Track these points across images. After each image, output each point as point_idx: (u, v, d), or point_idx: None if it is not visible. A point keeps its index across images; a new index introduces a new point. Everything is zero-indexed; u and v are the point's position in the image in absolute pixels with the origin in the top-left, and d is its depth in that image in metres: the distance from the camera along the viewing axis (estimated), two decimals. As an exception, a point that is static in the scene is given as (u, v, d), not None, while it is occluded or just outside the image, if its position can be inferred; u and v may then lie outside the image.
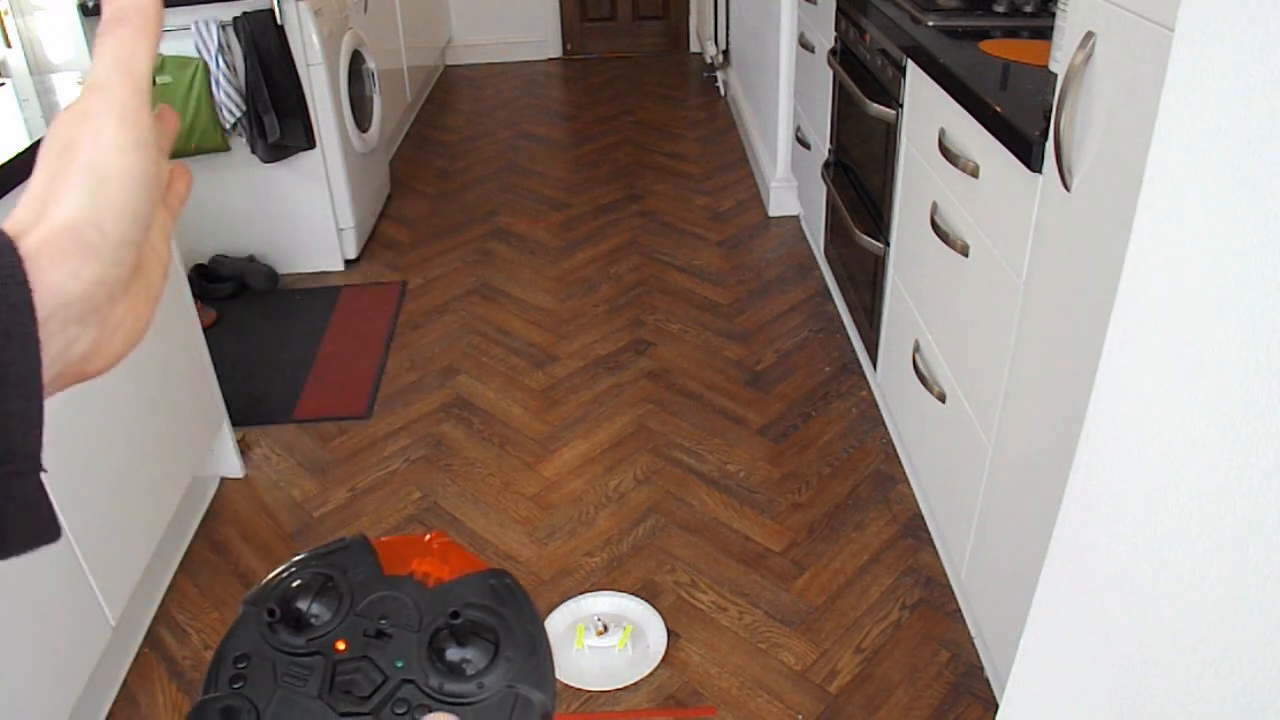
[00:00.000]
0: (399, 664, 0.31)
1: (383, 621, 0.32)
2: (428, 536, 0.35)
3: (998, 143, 1.46)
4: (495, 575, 0.33)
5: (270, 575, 0.33)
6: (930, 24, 1.94)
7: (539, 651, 0.31)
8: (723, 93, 4.97)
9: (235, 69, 2.83)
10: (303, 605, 0.32)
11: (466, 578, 0.33)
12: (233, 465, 2.30)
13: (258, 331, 2.96)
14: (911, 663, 1.75)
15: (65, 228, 0.29)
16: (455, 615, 0.31)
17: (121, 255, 0.31)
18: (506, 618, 0.32)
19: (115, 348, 0.33)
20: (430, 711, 0.29)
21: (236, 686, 0.31)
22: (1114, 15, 1.13)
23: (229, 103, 2.84)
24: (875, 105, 2.14)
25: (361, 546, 0.34)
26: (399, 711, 0.30)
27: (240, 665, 0.31)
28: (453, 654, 0.31)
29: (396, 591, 0.32)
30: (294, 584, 0.32)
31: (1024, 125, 1.37)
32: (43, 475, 0.29)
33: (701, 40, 5.58)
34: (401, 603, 0.32)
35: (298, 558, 0.34)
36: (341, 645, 0.31)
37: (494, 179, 4.05)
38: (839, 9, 2.54)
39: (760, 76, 3.77)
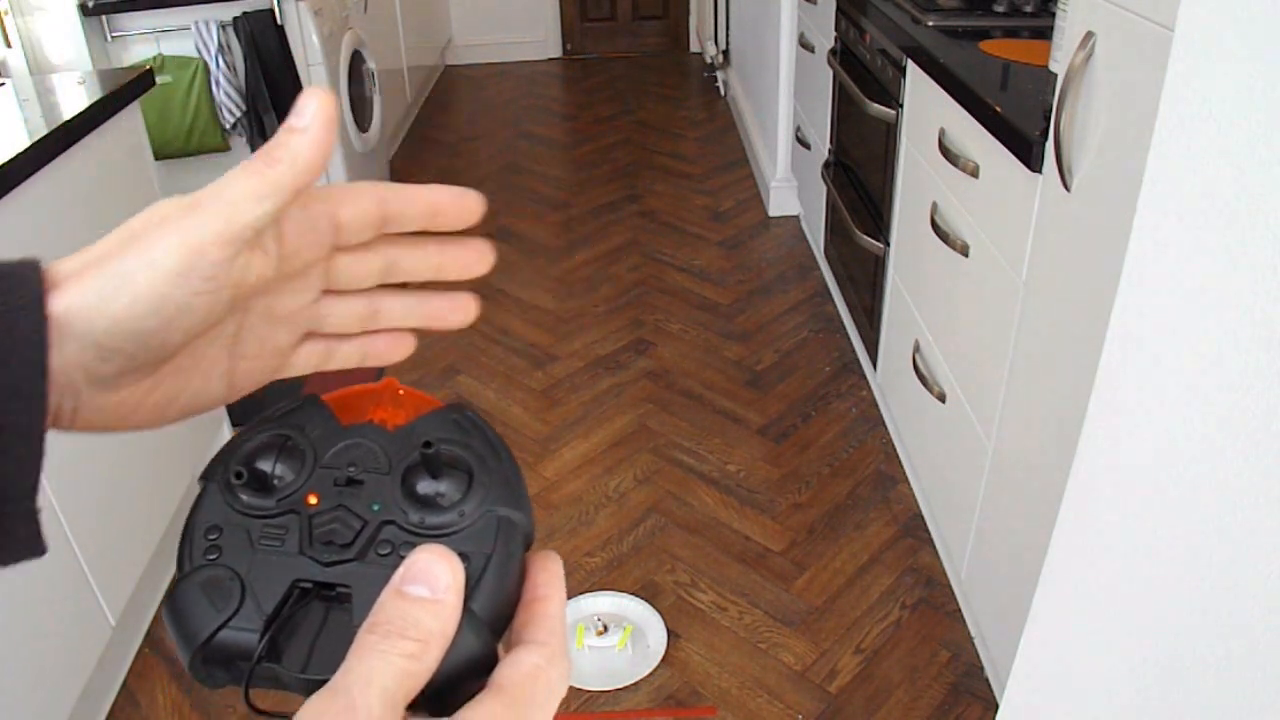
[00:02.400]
0: (375, 507, 0.30)
1: (351, 469, 0.31)
2: (379, 384, 0.34)
3: (998, 143, 1.46)
4: (455, 409, 0.33)
5: (224, 447, 0.32)
6: (930, 24, 1.94)
7: (511, 475, 0.31)
8: (723, 93, 4.97)
9: (235, 69, 2.83)
10: (266, 467, 0.31)
11: (427, 416, 0.33)
12: (233, 465, 2.29)
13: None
14: (911, 663, 1.75)
15: (64, 310, 0.30)
16: (428, 446, 0.30)
17: (106, 355, 0.31)
18: (474, 447, 0.32)
19: (90, 422, 0.33)
20: (414, 548, 0.29)
21: (212, 559, 0.30)
22: (1114, 15, 1.13)
23: (229, 103, 2.84)
24: (875, 105, 2.14)
25: (314, 404, 0.33)
26: (383, 553, 0.30)
27: (212, 537, 0.30)
28: (428, 489, 0.31)
29: (359, 438, 0.32)
30: (253, 448, 0.32)
31: (1024, 125, 1.37)
32: (43, 477, 0.31)
33: (701, 40, 5.58)
34: (367, 448, 0.31)
35: (250, 424, 0.33)
36: (314, 499, 0.31)
37: (494, 179, 4.05)
38: (839, 9, 2.54)
39: (760, 76, 3.77)
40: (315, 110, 0.31)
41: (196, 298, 0.30)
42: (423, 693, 0.26)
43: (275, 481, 0.31)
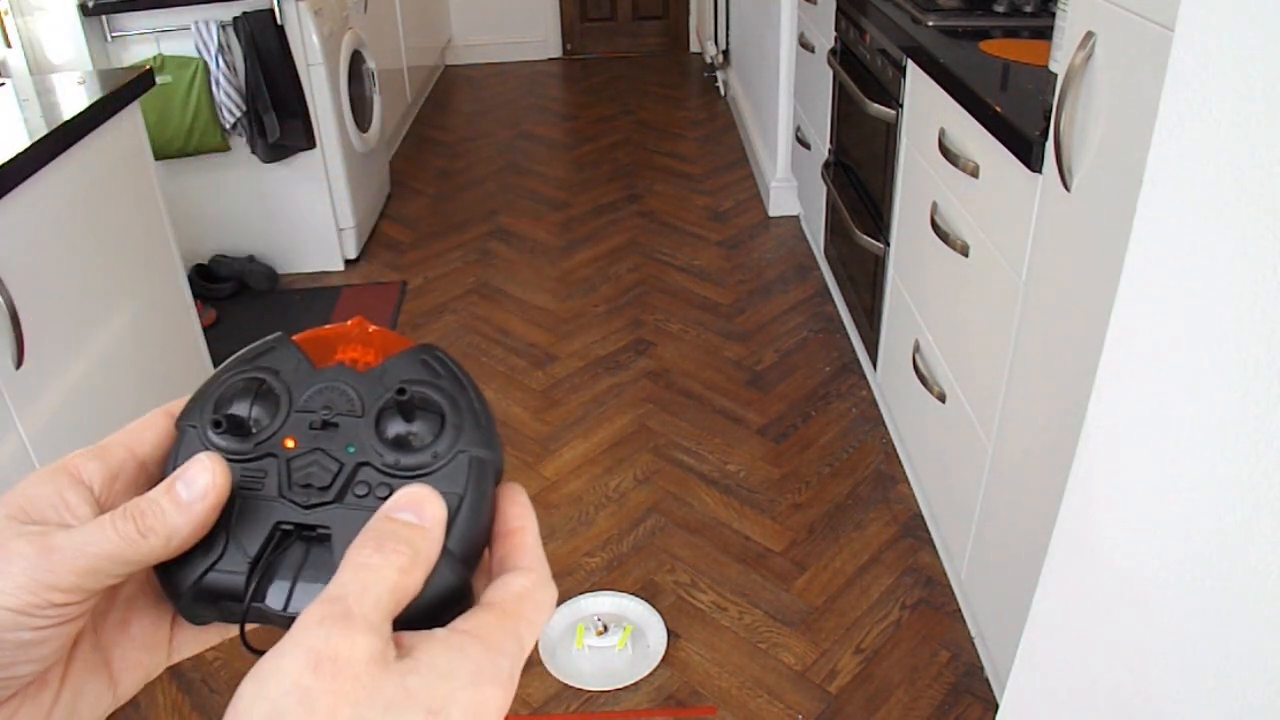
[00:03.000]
0: (351, 449, 0.31)
1: (325, 412, 0.32)
2: (348, 323, 0.35)
3: (998, 143, 1.46)
4: (424, 350, 0.34)
5: (198, 391, 0.33)
6: (930, 24, 1.94)
7: (481, 414, 0.32)
8: (723, 93, 4.97)
9: (235, 69, 2.83)
10: (242, 411, 0.32)
11: (397, 357, 0.33)
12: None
13: (258, 332, 2.91)
14: (911, 663, 1.75)
15: None
16: (402, 392, 0.31)
17: None
18: (444, 388, 0.32)
19: None
20: (391, 490, 0.30)
21: None
22: (1114, 15, 1.13)
23: (229, 103, 2.84)
24: (875, 105, 2.14)
25: (285, 345, 0.34)
26: (360, 494, 0.31)
27: None
28: (401, 431, 0.32)
29: (332, 381, 0.33)
30: (229, 392, 0.32)
31: (1024, 125, 1.37)
32: None
33: (701, 40, 5.58)
34: (340, 391, 0.32)
35: (222, 367, 0.33)
36: (290, 443, 0.32)
37: (494, 179, 4.05)
38: (839, 9, 2.54)
39: (760, 76, 3.77)
40: (205, 487, 0.30)
41: (41, 632, 0.28)
42: (404, 622, 0.27)
43: (252, 426, 0.32)
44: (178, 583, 0.30)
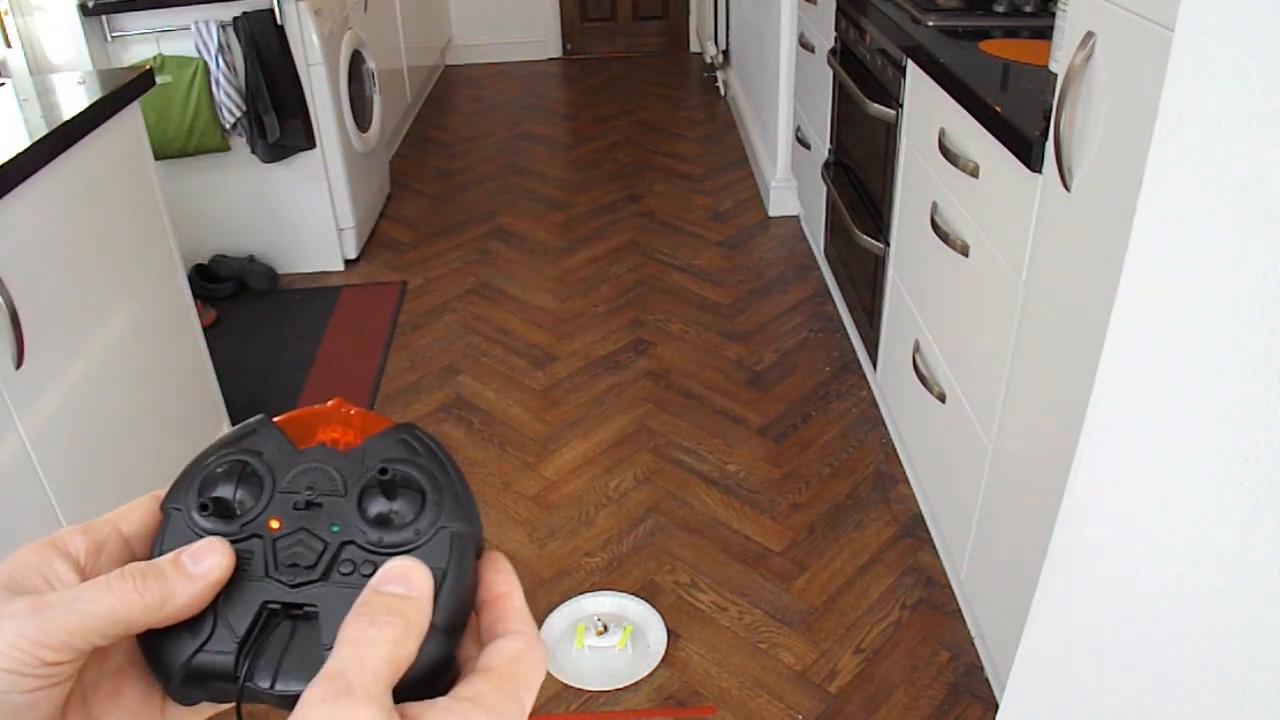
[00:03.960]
0: (335, 528, 0.32)
1: (309, 492, 0.33)
2: (328, 404, 0.36)
3: (998, 143, 1.46)
4: (404, 429, 0.35)
5: (182, 474, 0.34)
6: (930, 24, 1.94)
7: (461, 490, 0.33)
8: (723, 93, 4.97)
9: (235, 69, 2.83)
10: (227, 494, 0.33)
11: (377, 437, 0.34)
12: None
13: (258, 332, 2.96)
14: (911, 663, 1.75)
15: None
16: (384, 472, 0.32)
17: None
18: (424, 465, 0.33)
19: None
20: (376, 567, 0.31)
21: None
22: (1114, 15, 1.13)
23: (229, 103, 2.84)
24: (875, 105, 2.14)
25: (267, 427, 0.35)
26: (345, 572, 0.32)
27: None
28: (383, 509, 0.32)
29: (315, 462, 0.34)
30: (213, 475, 0.33)
31: (1024, 125, 1.37)
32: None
33: (701, 40, 5.58)
34: (323, 472, 0.33)
35: (206, 450, 0.34)
36: (275, 523, 0.32)
37: (494, 179, 4.05)
38: (839, 9, 2.54)
39: (760, 76, 3.77)
40: (211, 566, 0.31)
41: (31, 695, 0.28)
42: (396, 694, 0.28)
43: (237, 507, 0.33)
44: (168, 663, 0.31)
